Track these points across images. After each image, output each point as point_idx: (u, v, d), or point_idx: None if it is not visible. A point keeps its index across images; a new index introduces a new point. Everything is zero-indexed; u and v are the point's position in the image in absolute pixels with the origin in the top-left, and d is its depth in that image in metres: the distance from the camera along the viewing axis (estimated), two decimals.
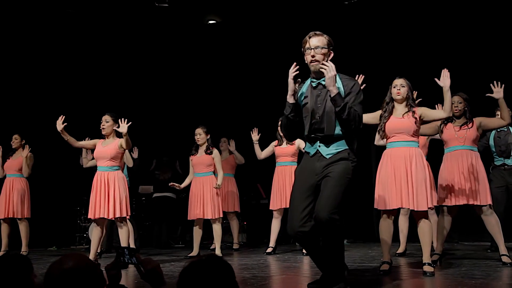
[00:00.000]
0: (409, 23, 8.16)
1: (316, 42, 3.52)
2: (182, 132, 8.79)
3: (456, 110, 5.11)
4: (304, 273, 4.93)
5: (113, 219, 5.58)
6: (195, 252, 6.53)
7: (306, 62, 3.60)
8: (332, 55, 3.58)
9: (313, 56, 3.51)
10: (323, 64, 3.45)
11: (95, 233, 5.57)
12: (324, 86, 3.53)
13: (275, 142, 6.89)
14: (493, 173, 6.29)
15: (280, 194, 6.65)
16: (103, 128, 5.63)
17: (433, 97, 6.13)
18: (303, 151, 3.84)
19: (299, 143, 6.60)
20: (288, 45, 8.81)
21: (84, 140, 6.20)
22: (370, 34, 8.56)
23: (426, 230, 4.41)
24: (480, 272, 4.43)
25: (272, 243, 6.77)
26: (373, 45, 8.61)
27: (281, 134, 6.75)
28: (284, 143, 6.77)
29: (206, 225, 6.75)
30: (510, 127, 6.14)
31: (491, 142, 6.21)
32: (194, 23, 8.92)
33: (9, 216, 6.87)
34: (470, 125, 5.10)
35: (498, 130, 6.18)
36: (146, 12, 8.33)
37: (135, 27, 8.83)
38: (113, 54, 9.29)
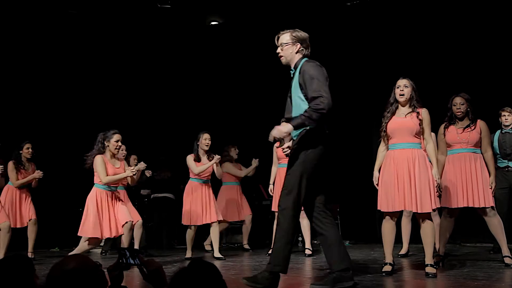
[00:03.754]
0: (412, 24, 8.15)
1: (279, 41, 3.93)
2: (182, 133, 8.80)
3: (458, 112, 5.09)
4: (306, 274, 4.93)
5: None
6: (190, 253, 6.56)
7: None
8: (299, 46, 3.86)
9: (278, 53, 3.92)
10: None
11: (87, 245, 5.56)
12: (293, 74, 3.85)
13: (277, 143, 6.88)
14: (496, 174, 6.27)
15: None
16: (117, 152, 5.62)
17: (435, 98, 6.14)
18: None
19: None
20: None
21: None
22: (373, 35, 8.55)
23: (429, 232, 4.40)
24: (482, 273, 4.43)
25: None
26: (376, 46, 8.61)
27: None
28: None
29: (207, 226, 6.76)
30: None
31: (495, 144, 6.18)
32: (196, 24, 8.92)
33: (20, 226, 6.84)
34: (473, 127, 5.07)
35: (503, 132, 6.16)
36: (148, 13, 8.34)
37: (137, 28, 8.84)
38: (115, 55, 9.30)
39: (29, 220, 6.87)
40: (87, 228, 5.35)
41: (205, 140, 6.51)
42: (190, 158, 6.54)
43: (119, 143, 5.53)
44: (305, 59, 3.84)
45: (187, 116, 9.70)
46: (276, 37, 3.94)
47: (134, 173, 5.52)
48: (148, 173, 7.13)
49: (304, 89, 3.65)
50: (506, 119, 6.12)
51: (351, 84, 8.92)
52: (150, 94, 9.94)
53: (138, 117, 9.68)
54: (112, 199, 5.50)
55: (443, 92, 5.97)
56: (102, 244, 7.83)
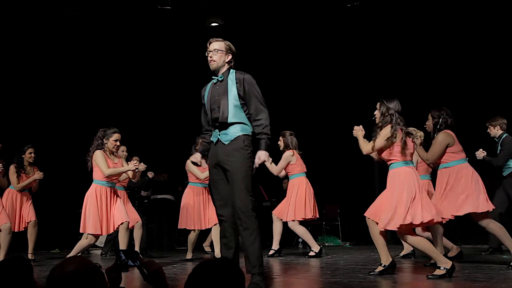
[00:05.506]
0: (411, 25, 8.16)
1: (213, 46, 4.02)
2: (181, 134, 8.80)
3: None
4: (307, 275, 4.93)
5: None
6: (191, 255, 6.56)
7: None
8: (230, 57, 4.05)
9: (210, 57, 4.01)
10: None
11: (87, 242, 5.56)
12: (221, 81, 4.01)
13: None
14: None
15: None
16: (116, 150, 5.63)
17: (436, 98, 6.13)
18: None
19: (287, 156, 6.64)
20: (291, 47, 8.86)
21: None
22: (373, 36, 8.56)
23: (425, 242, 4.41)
24: (483, 274, 4.42)
25: (275, 245, 6.76)
26: (376, 47, 8.61)
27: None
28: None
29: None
30: None
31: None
32: (196, 26, 8.93)
33: (22, 229, 6.85)
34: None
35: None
36: (149, 14, 8.35)
37: (138, 30, 8.85)
38: (116, 56, 9.31)
39: (29, 222, 6.86)
40: (88, 225, 5.36)
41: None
42: (191, 164, 6.52)
43: (118, 143, 5.54)
44: (233, 70, 4.06)
45: (186, 117, 9.68)
46: (209, 42, 4.05)
47: (136, 167, 5.51)
48: (150, 174, 7.13)
49: (246, 101, 3.92)
50: (489, 131, 6.08)
51: (351, 85, 8.93)
52: (149, 96, 9.94)
53: (138, 118, 9.67)
54: (111, 196, 5.49)
55: (444, 92, 5.97)
56: (102, 245, 7.85)
